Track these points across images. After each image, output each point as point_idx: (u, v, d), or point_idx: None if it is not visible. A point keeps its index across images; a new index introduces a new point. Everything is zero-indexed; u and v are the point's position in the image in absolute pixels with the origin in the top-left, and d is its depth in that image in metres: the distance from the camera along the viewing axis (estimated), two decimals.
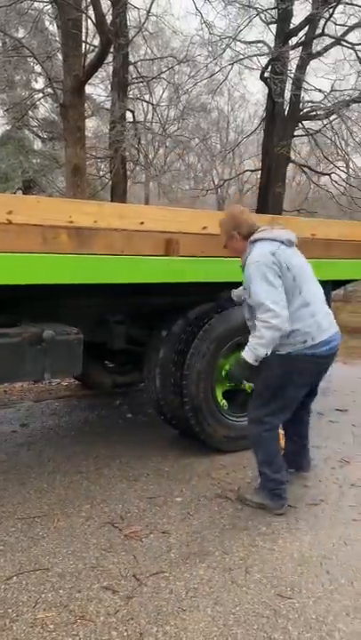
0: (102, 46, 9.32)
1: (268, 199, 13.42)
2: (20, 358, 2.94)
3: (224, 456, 3.73)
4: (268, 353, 2.78)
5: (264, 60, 13.08)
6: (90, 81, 10.91)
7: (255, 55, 13.18)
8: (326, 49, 12.70)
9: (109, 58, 11.20)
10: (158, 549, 2.60)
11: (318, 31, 12.26)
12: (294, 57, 12.84)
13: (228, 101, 22.40)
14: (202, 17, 11.66)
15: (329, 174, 15.44)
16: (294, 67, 12.73)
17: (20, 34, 12.30)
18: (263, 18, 12.81)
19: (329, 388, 5.23)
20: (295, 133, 14.07)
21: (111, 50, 10.42)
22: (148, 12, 10.91)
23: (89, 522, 2.83)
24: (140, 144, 13.69)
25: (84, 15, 9.90)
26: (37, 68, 13.75)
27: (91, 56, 10.44)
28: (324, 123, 13.62)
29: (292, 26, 12.71)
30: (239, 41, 12.53)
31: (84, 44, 10.35)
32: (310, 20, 12.15)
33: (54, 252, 2.84)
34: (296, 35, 12.81)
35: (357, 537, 2.80)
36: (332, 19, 12.11)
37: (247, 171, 21.87)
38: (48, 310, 3.27)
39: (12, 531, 2.74)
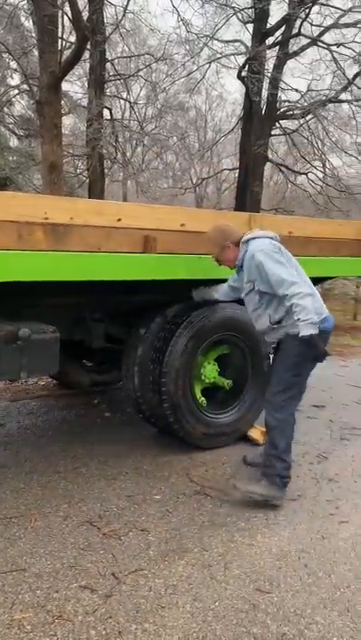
0: (79, 43, 9.23)
1: (246, 198, 13.47)
2: None
3: (203, 453, 3.73)
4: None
5: (241, 59, 13.12)
6: (66, 78, 10.78)
7: (232, 54, 13.19)
8: (303, 49, 12.78)
9: (86, 55, 11.10)
10: (137, 547, 2.59)
11: (295, 31, 12.32)
12: (271, 56, 12.90)
13: (205, 100, 22.44)
14: (179, 15, 11.64)
15: (306, 174, 15.55)
16: (271, 66, 12.79)
17: None
18: (240, 17, 12.84)
19: (306, 384, 5.27)
20: (272, 133, 14.13)
21: (88, 47, 10.33)
22: (125, 9, 10.86)
23: (67, 521, 2.81)
24: (117, 142, 13.60)
25: (60, 11, 9.80)
26: (13, 65, 13.54)
27: (67, 53, 10.34)
28: (301, 122, 13.70)
29: (268, 25, 12.76)
30: (217, 40, 12.53)
31: (60, 41, 10.24)
32: (287, 20, 12.21)
33: (30, 248, 2.81)
34: (273, 34, 12.86)
35: (335, 531, 2.83)
36: (308, 19, 12.19)
37: (225, 170, 21.91)
38: (24, 308, 3.23)
39: None
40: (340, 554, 2.62)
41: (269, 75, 12.47)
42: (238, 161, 15.25)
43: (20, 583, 2.30)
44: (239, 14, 12.62)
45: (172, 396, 3.52)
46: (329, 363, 7.34)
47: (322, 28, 12.31)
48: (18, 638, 1.98)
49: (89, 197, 12.57)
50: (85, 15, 9.58)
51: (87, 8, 10.03)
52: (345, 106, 13.48)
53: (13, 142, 17.85)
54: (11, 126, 17.08)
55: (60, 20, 9.97)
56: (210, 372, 3.83)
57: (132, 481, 3.31)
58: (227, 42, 12.89)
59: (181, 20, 11.52)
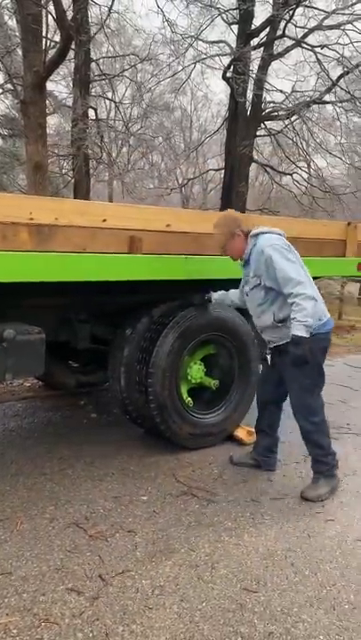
0: (63, 42, 9.18)
1: (232, 198, 13.51)
2: None
3: (190, 453, 3.73)
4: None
5: (226, 60, 13.17)
6: (51, 77, 10.72)
7: (217, 55, 13.24)
8: (287, 50, 12.86)
9: (71, 54, 11.05)
10: (124, 548, 2.59)
11: (279, 33, 12.39)
12: (256, 57, 12.96)
13: (191, 101, 22.52)
14: (164, 15, 11.66)
15: (291, 174, 15.66)
16: (256, 67, 12.86)
17: None
18: (225, 18, 12.88)
19: None
20: (257, 133, 14.19)
21: (73, 46, 10.28)
22: (110, 8, 10.83)
23: (53, 523, 2.79)
24: (102, 142, 13.56)
25: (44, 10, 9.73)
26: None
27: (52, 52, 10.28)
28: (286, 123, 13.79)
29: (253, 27, 12.82)
30: (201, 40, 12.56)
31: (44, 40, 10.17)
32: (271, 22, 12.27)
33: (14, 249, 2.78)
34: (257, 35, 12.93)
35: (321, 529, 2.85)
36: (292, 21, 12.27)
37: (211, 170, 21.95)
38: (9, 309, 3.20)
39: None
40: (325, 552, 2.64)
41: (254, 76, 12.53)
42: (224, 161, 15.29)
43: (5, 587, 2.27)
44: (224, 15, 12.67)
45: (159, 396, 3.52)
46: None
47: (306, 30, 12.41)
48: None
49: (74, 198, 12.52)
50: (70, 15, 9.53)
51: (71, 7, 9.99)
52: (329, 107, 13.64)
53: None
54: None
55: (44, 19, 9.90)
56: (196, 372, 3.83)
57: (118, 482, 3.30)
58: (212, 43, 12.94)
59: (166, 20, 11.55)
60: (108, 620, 2.10)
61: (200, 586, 2.33)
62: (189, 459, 3.67)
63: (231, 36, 13.37)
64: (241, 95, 12.42)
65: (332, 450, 3.27)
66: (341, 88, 12.50)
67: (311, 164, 14.49)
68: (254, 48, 12.83)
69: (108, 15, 11.12)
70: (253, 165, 15.40)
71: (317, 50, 12.28)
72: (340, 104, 12.83)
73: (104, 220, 3.16)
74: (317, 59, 12.32)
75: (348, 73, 12.06)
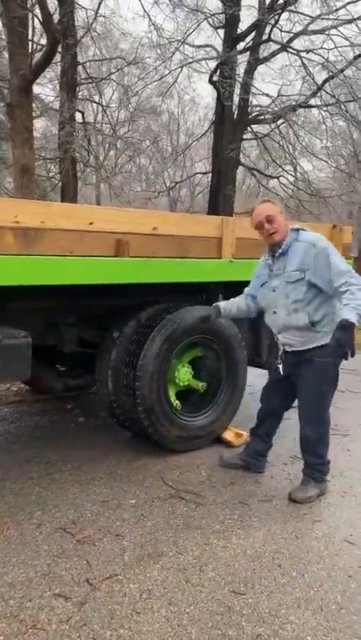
0: (49, 45, 9.16)
1: (219, 201, 13.56)
2: None
3: (177, 456, 3.73)
4: None
5: (213, 64, 13.23)
6: (38, 81, 10.70)
7: (204, 59, 13.30)
8: (273, 54, 12.95)
9: (57, 58, 11.03)
10: (112, 553, 2.58)
11: (265, 37, 12.48)
12: (242, 61, 13.03)
13: (178, 104, 22.58)
14: (150, 19, 11.68)
15: (277, 177, 15.76)
16: (242, 71, 12.93)
17: None
18: (211, 22, 12.94)
19: None
20: (244, 137, 14.27)
21: (59, 49, 10.27)
22: (97, 12, 10.86)
23: (40, 528, 2.77)
24: (90, 145, 13.54)
25: (30, 13, 9.72)
26: None
27: (38, 55, 10.26)
28: (272, 127, 13.89)
29: (239, 31, 12.90)
30: (188, 44, 12.61)
31: (31, 43, 10.16)
32: (257, 26, 12.36)
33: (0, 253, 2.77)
34: (243, 40, 13.01)
35: (308, 530, 2.86)
36: (277, 25, 12.36)
37: (198, 173, 22.01)
38: None
39: None
40: (313, 553, 2.65)
41: (240, 79, 12.61)
42: (211, 165, 15.36)
43: None
44: (210, 19, 12.74)
45: (147, 399, 3.51)
46: None
47: (291, 35, 12.52)
48: None
49: (62, 201, 12.49)
50: (56, 18, 9.53)
51: (58, 11, 9.98)
52: (315, 111, 13.74)
53: None
54: None
55: (30, 22, 9.90)
56: (184, 374, 3.83)
57: (106, 486, 3.29)
58: (198, 46, 13.00)
59: (152, 24, 11.57)
60: (95, 626, 2.09)
61: (188, 589, 2.33)
62: (177, 461, 3.67)
63: (217, 40, 13.45)
64: (228, 99, 12.49)
65: (328, 459, 3.28)
66: (327, 92, 12.62)
67: (297, 167, 14.60)
68: (240, 52, 12.90)
69: (95, 19, 11.15)
70: (240, 168, 15.48)
71: (303, 54, 12.38)
72: (325, 108, 12.95)
73: (91, 224, 3.15)
74: (303, 63, 12.42)
75: (333, 77, 12.17)
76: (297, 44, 12.74)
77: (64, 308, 3.61)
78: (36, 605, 2.19)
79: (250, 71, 12.80)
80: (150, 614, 2.16)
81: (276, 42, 12.53)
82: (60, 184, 13.83)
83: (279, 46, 12.59)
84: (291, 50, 12.55)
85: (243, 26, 12.96)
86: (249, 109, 13.62)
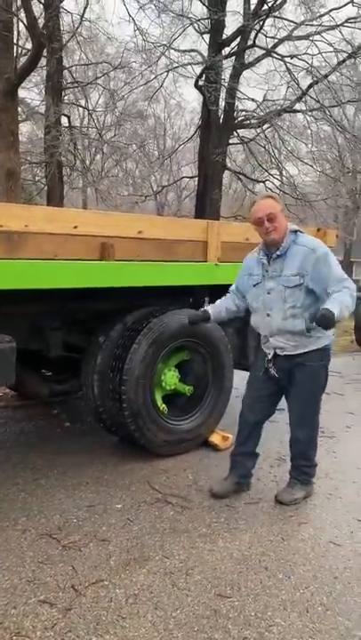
0: (35, 50, 9.18)
1: (206, 205, 13.62)
2: None
3: (164, 460, 3.72)
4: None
5: (198, 69, 13.31)
6: (23, 85, 10.72)
7: (189, 64, 13.38)
8: (258, 60, 13.06)
9: (43, 62, 11.03)
10: (97, 558, 2.56)
11: (250, 42, 12.59)
12: (228, 66, 13.13)
13: (164, 109, 22.65)
14: (135, 24, 11.71)
15: (263, 181, 15.84)
16: (228, 76, 13.01)
17: None
18: (196, 27, 13.03)
19: None
20: (230, 141, 14.36)
21: (45, 54, 10.27)
22: (82, 16, 10.87)
23: (25, 534, 2.74)
24: (76, 149, 13.52)
25: (15, 17, 9.70)
26: None
27: (23, 59, 10.25)
28: (258, 131, 13.98)
29: (224, 36, 13.00)
30: (173, 49, 12.68)
31: (16, 47, 10.14)
32: (242, 32, 12.46)
33: None
34: (229, 45, 13.11)
35: (294, 532, 2.87)
36: (262, 31, 12.48)
37: (185, 177, 22.11)
38: None
39: None
40: (299, 555, 2.65)
41: (226, 84, 12.69)
42: (197, 169, 15.41)
43: None
44: (195, 25, 12.82)
45: (133, 403, 3.50)
46: None
47: (276, 40, 12.64)
48: None
49: (48, 205, 12.45)
50: (41, 22, 9.52)
51: (43, 15, 9.97)
52: (300, 116, 13.87)
53: None
54: None
55: (15, 25, 9.88)
56: (170, 378, 3.83)
57: (92, 491, 3.27)
58: (184, 51, 13.07)
59: (138, 28, 11.60)
60: (81, 632, 2.07)
61: (174, 593, 2.32)
62: (164, 465, 3.66)
63: (203, 45, 13.56)
64: (213, 103, 12.57)
65: (315, 462, 3.30)
66: (311, 97, 12.74)
67: (283, 171, 14.70)
68: (226, 57, 13.00)
69: (80, 23, 11.17)
70: (227, 173, 15.55)
71: (287, 60, 12.51)
72: (310, 113, 13.06)
73: (75, 227, 3.14)
74: (287, 68, 12.54)
75: (317, 82, 12.31)
76: (282, 49, 12.89)
77: (49, 311, 3.59)
78: (21, 612, 2.16)
79: (235, 76, 12.90)
80: (136, 619, 2.15)
81: (260, 47, 12.64)
82: (45, 188, 13.78)
83: (264, 51, 12.70)
84: (275, 55, 12.67)
85: (228, 31, 13.09)
86: (235, 114, 13.72)
